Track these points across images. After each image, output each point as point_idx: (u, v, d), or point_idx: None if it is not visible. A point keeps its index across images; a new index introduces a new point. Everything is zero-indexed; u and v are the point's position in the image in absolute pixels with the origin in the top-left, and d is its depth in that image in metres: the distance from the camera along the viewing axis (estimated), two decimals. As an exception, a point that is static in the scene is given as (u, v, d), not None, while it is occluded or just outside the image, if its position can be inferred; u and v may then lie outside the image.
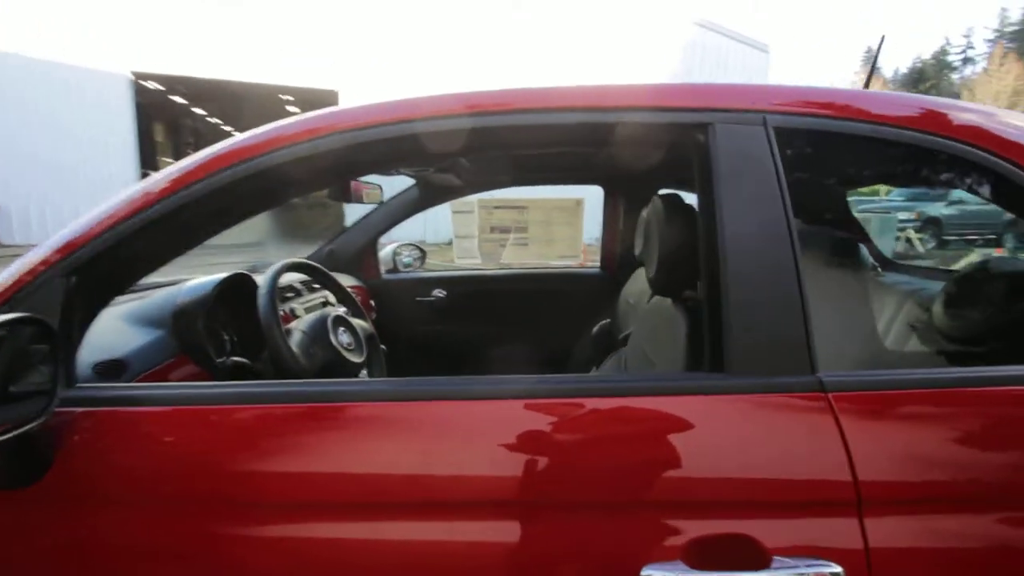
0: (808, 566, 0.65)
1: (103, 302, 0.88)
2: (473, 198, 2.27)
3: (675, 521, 0.69)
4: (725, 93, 0.82)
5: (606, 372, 1.38)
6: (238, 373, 1.08)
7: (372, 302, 2.26)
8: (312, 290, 1.74)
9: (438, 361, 2.42)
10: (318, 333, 1.17)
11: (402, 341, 2.40)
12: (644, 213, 1.31)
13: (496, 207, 2.26)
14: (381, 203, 2.22)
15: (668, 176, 1.99)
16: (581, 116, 0.83)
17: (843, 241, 0.87)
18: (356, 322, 1.34)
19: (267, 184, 0.85)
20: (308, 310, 1.62)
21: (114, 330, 1.04)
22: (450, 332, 2.38)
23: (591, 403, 0.73)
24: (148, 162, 11.82)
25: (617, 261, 2.26)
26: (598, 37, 12.44)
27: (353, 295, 1.56)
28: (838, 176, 0.86)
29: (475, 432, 0.73)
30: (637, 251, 1.89)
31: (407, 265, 2.52)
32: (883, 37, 1.39)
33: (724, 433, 0.71)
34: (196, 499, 0.74)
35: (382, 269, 2.42)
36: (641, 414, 0.73)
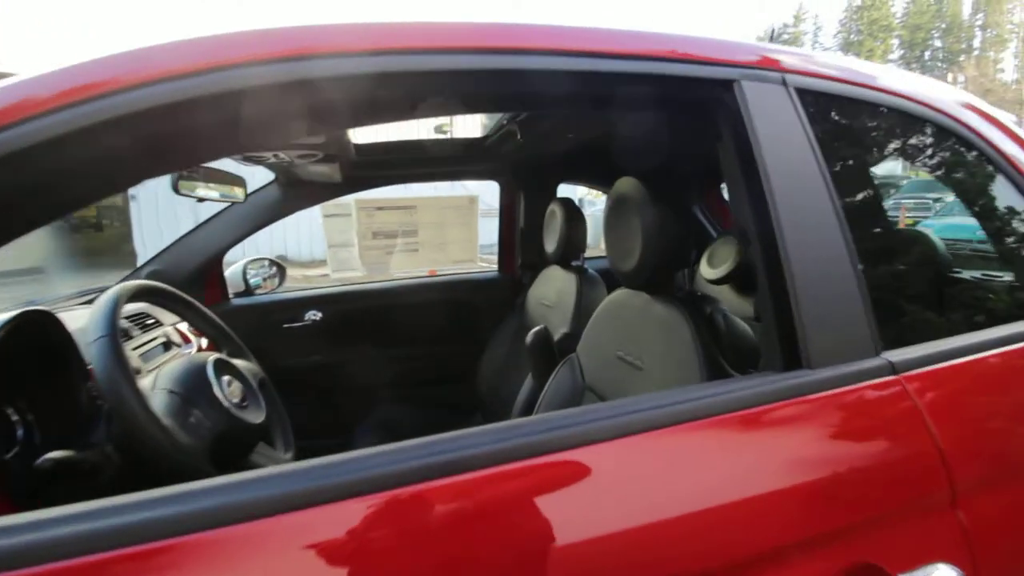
0: None
1: None
2: (349, 199, 1.91)
3: (810, 562, 0.55)
4: (745, 49, 0.72)
5: (563, 383, 1.21)
6: (58, 477, 0.65)
7: None
8: (146, 328, 1.24)
9: (323, 400, 2.00)
10: (195, 390, 0.78)
11: (271, 380, 1.93)
12: (595, 200, 1.17)
13: (378, 208, 1.93)
14: (231, 204, 1.74)
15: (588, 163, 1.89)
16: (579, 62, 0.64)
17: (876, 214, 0.83)
18: (241, 364, 0.95)
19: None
20: (145, 357, 1.14)
21: None
22: (333, 362, 1.98)
23: (684, 431, 0.55)
24: None
25: (518, 261, 2.11)
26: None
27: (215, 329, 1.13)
28: (857, 145, 0.82)
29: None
30: (550, 248, 1.78)
31: (257, 286, 2.04)
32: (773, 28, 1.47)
33: (826, 442, 0.60)
34: None
35: (230, 292, 1.92)
36: (747, 436, 0.57)
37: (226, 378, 0.85)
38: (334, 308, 1.96)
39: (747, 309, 1.68)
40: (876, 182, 0.89)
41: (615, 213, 1.01)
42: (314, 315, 1.93)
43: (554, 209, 1.72)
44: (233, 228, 1.76)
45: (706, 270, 1.78)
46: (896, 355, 0.65)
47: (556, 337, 1.52)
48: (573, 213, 1.67)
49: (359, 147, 1.59)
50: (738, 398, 0.58)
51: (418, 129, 1.70)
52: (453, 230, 2.07)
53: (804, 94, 0.71)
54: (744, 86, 0.68)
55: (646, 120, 1.20)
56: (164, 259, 1.73)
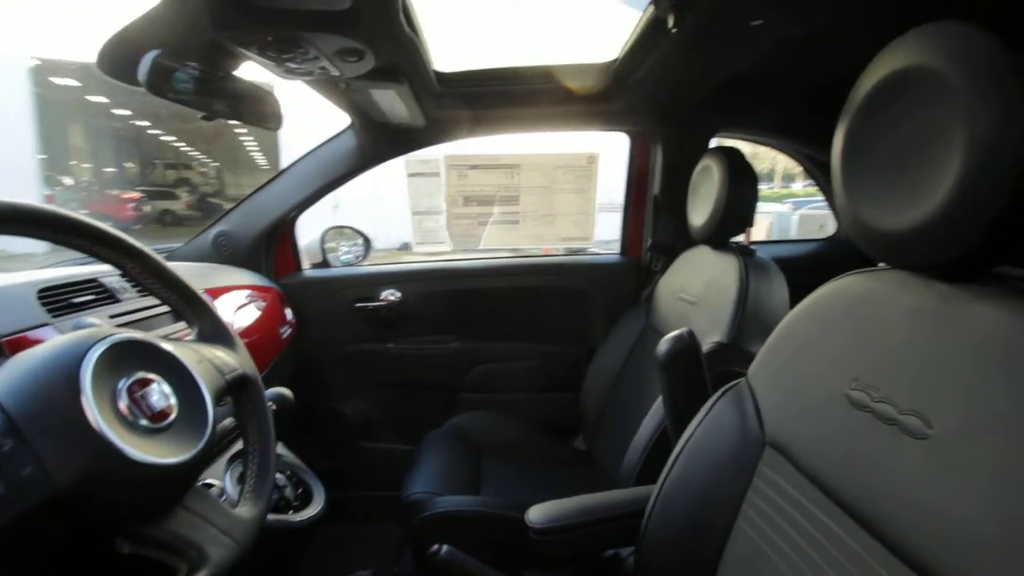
0: None
1: None
2: (437, 152, 1.56)
3: None
4: None
5: (723, 425, 0.70)
6: None
7: (287, 311, 1.50)
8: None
9: (390, 396, 1.68)
10: (40, 402, 0.43)
11: (334, 367, 1.66)
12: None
13: (472, 167, 1.55)
14: (302, 157, 1.47)
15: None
16: None
17: None
18: (208, 353, 0.60)
19: None
20: (139, 328, 0.87)
21: None
22: (407, 352, 1.65)
23: None
24: None
25: (647, 241, 1.60)
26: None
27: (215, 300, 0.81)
28: None
29: None
30: (698, 220, 1.25)
31: (346, 263, 1.78)
32: None
33: None
34: None
35: (305, 261, 1.67)
36: None
37: (136, 376, 0.49)
38: (414, 288, 1.62)
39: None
40: None
41: (886, 102, 0.49)
42: (391, 294, 1.61)
43: (709, 164, 1.19)
44: (305, 183, 1.50)
45: None
46: None
47: (704, 348, 1.00)
48: (739, 167, 1.13)
49: (442, 76, 1.21)
50: None
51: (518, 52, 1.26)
52: (564, 198, 1.61)
53: None
54: None
55: None
56: (232, 219, 1.53)
